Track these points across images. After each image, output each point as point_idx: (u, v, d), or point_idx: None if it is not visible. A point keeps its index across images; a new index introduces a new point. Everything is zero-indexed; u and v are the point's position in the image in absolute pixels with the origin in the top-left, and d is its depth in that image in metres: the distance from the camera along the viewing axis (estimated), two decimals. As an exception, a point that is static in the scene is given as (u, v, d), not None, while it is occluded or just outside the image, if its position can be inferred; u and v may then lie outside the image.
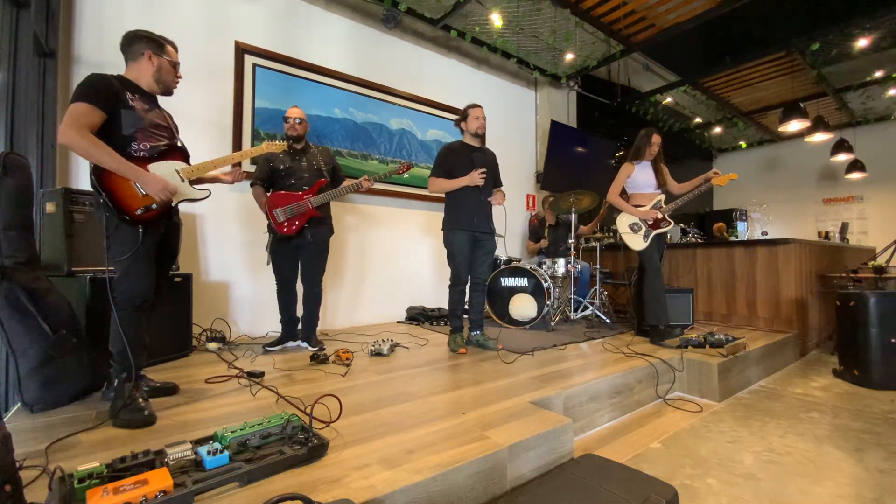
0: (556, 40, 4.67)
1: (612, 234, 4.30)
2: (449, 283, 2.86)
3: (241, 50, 3.32)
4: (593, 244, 4.34)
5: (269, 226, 2.71)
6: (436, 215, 4.32)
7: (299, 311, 2.87)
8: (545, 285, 3.55)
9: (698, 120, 7.34)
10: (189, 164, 1.83)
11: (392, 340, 2.86)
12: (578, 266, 3.93)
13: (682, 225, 4.96)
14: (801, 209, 8.13)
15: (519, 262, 3.86)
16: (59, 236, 2.13)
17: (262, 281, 3.31)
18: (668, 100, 6.35)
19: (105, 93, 1.61)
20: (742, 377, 2.79)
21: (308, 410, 1.49)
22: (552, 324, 3.62)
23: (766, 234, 5.60)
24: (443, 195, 2.89)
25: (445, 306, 4.16)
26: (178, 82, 1.85)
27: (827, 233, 6.47)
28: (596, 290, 4.02)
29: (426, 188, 4.23)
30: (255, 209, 2.98)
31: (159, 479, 1.02)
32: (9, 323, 1.69)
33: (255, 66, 3.39)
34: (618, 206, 3.17)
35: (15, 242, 1.77)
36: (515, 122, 5.34)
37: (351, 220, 3.94)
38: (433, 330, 3.61)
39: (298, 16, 3.66)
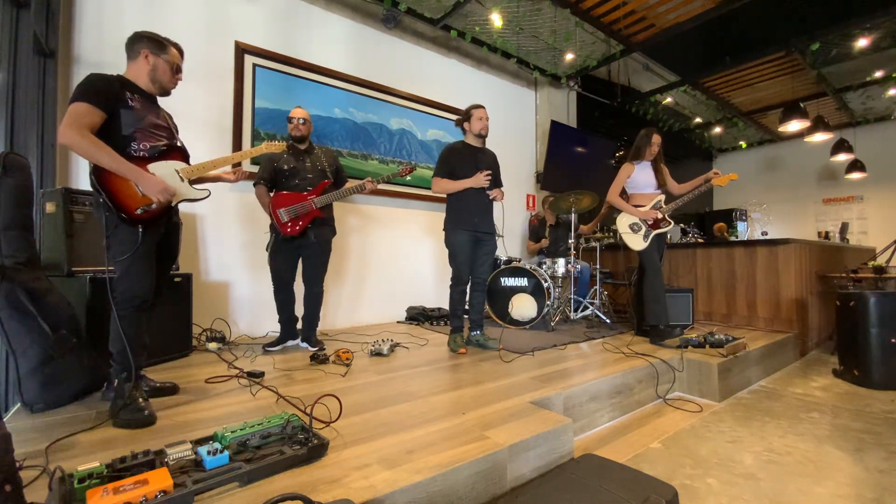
0: (556, 40, 4.67)
1: (612, 234, 4.30)
2: (450, 283, 2.86)
3: (241, 50, 3.32)
4: (593, 244, 4.34)
5: (271, 225, 2.70)
6: (436, 215, 4.33)
7: (298, 311, 2.87)
8: (545, 285, 3.55)
9: (698, 120, 7.34)
10: (189, 164, 1.83)
11: (392, 340, 2.86)
12: (578, 266, 3.93)
13: (682, 225, 4.96)
14: (801, 209, 8.13)
15: (519, 262, 3.86)
16: (59, 236, 2.13)
17: (262, 281, 3.31)
18: (668, 100, 6.35)
19: (105, 93, 1.61)
20: (742, 377, 2.79)
21: (308, 410, 1.49)
22: (552, 324, 3.62)
23: (766, 234, 5.59)
24: (444, 195, 2.89)
25: (446, 306, 4.16)
26: (176, 83, 1.84)
27: (827, 233, 6.47)
28: (596, 290, 4.02)
29: (427, 188, 4.26)
30: (255, 209, 2.98)
31: (159, 479, 1.02)
32: (9, 323, 1.70)
33: (255, 66, 3.39)
34: (618, 206, 3.17)
35: (15, 242, 1.77)
36: (515, 122, 5.34)
37: (351, 220, 3.94)
38: (433, 330, 3.61)
39: (298, 16, 3.66)
